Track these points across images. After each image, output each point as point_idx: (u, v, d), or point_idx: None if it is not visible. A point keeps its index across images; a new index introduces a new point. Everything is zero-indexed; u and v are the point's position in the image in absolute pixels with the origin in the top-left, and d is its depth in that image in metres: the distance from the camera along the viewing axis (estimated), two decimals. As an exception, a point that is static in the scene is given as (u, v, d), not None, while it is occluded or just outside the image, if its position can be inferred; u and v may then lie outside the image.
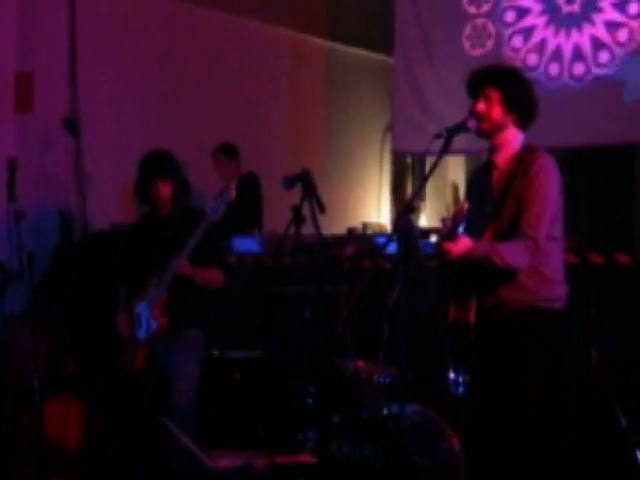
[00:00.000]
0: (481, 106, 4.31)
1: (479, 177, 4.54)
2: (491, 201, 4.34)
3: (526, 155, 4.30)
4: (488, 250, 4.16)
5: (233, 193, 5.21)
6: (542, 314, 4.26)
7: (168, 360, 5.47)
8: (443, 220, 4.16)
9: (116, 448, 5.53)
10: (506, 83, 4.32)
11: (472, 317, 4.26)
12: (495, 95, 4.30)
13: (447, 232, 4.10)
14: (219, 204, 5.21)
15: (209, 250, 5.41)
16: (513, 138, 4.36)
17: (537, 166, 4.23)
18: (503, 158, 4.37)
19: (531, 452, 4.20)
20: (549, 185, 4.24)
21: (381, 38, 9.39)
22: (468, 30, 8.33)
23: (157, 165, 5.57)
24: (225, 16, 8.87)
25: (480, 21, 8.27)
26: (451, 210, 4.12)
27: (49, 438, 5.66)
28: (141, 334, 5.43)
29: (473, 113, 4.32)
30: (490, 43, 8.21)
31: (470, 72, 4.43)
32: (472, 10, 8.31)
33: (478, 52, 8.24)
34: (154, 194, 5.56)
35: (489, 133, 4.35)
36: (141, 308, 5.45)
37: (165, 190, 5.55)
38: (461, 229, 4.09)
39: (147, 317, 5.41)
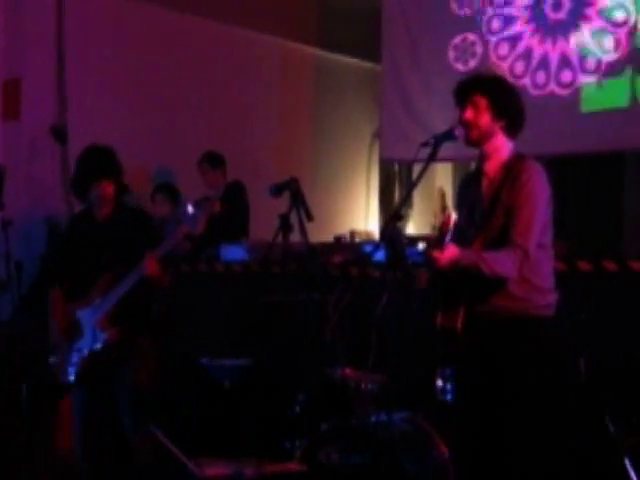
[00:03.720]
0: (469, 114, 4.32)
1: (469, 185, 4.55)
2: (481, 210, 4.35)
3: (515, 163, 4.31)
4: (476, 259, 4.16)
5: (216, 207, 4.99)
6: (533, 321, 4.27)
7: (115, 372, 5.18)
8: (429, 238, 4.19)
9: (96, 461, 5.38)
10: (493, 90, 4.34)
11: (459, 324, 4.26)
12: (483, 102, 4.31)
13: (434, 241, 4.12)
14: (199, 217, 4.95)
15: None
16: (502, 145, 4.37)
17: (526, 174, 4.24)
18: (492, 166, 4.37)
19: (523, 457, 4.21)
20: (538, 193, 4.25)
21: (370, 46, 9.39)
22: (455, 44, 8.36)
23: (100, 164, 5.25)
24: (214, 24, 8.87)
25: (466, 36, 8.31)
26: (439, 218, 4.13)
27: (40, 442, 5.65)
28: (84, 344, 5.16)
29: (461, 121, 4.34)
30: (475, 60, 8.24)
31: (457, 81, 4.45)
32: (460, 13, 8.35)
33: (463, 67, 8.27)
34: (97, 194, 5.25)
35: (478, 141, 4.36)
36: (83, 315, 5.18)
37: (108, 190, 5.24)
38: (448, 239, 4.10)
39: (92, 327, 5.13)
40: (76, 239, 5.40)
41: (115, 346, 5.15)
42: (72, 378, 5.19)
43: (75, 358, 5.19)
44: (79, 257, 5.32)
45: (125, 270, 5.06)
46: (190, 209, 5.03)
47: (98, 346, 5.14)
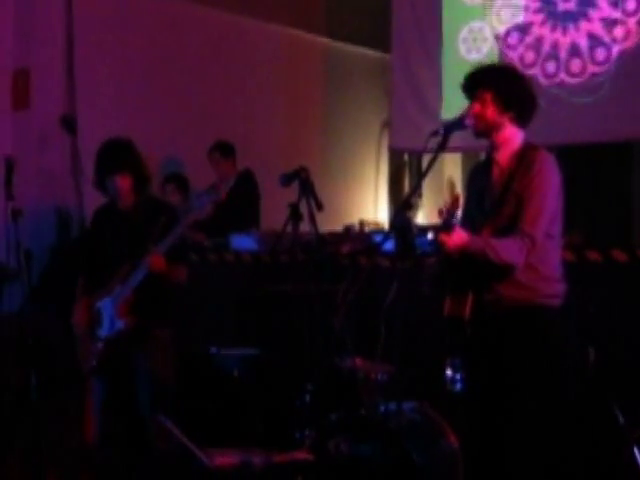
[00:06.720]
0: (476, 107, 4.33)
1: (479, 173, 4.55)
2: (491, 198, 4.35)
3: (527, 153, 4.31)
4: (483, 245, 4.17)
5: (223, 194, 5.01)
6: (540, 311, 4.27)
7: (133, 361, 5.24)
8: (440, 211, 4.15)
9: (114, 447, 5.45)
10: (499, 83, 4.34)
11: (467, 312, 4.26)
12: (488, 96, 4.31)
13: (443, 223, 4.11)
14: (205, 202, 4.99)
15: (178, 246, 5.12)
16: (512, 136, 4.37)
17: (538, 164, 4.24)
18: (503, 155, 4.38)
19: (530, 448, 4.21)
20: (549, 183, 4.25)
21: (379, 35, 9.39)
22: (464, 33, 8.35)
23: (113, 158, 5.32)
24: (223, 14, 8.86)
25: (476, 25, 8.29)
26: (447, 203, 4.12)
27: (47, 437, 5.65)
28: (102, 332, 5.22)
29: (469, 115, 4.34)
30: (487, 44, 8.23)
31: (464, 75, 4.45)
32: (470, 2, 8.33)
33: (473, 56, 8.25)
34: (112, 187, 5.32)
35: (486, 133, 4.37)
36: (103, 304, 5.24)
37: (123, 183, 5.29)
38: (455, 220, 4.10)
39: (110, 315, 5.19)
40: (99, 231, 5.48)
41: (131, 334, 5.19)
42: (93, 366, 5.25)
43: (96, 347, 5.25)
44: (102, 248, 5.39)
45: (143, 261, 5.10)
46: (196, 197, 5.08)
47: (114, 333, 5.19)
